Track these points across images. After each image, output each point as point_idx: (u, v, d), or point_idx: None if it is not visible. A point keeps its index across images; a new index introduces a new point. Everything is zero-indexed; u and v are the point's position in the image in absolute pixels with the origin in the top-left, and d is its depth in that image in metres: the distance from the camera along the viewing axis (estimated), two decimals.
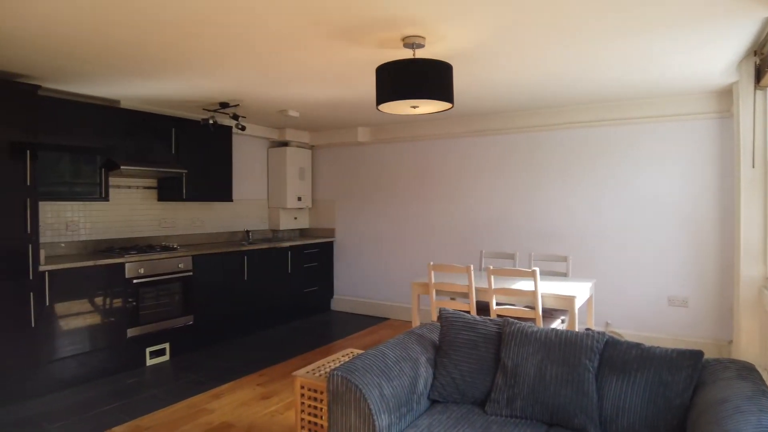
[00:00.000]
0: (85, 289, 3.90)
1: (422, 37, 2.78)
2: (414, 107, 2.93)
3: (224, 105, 4.56)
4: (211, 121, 4.54)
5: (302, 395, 2.64)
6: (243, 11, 2.42)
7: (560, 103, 4.69)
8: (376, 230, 6.27)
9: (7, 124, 3.44)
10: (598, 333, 2.20)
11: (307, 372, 2.68)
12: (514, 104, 4.75)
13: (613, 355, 2.15)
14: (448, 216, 5.72)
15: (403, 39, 2.80)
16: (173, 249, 4.66)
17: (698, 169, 4.43)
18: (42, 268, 3.61)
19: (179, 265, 4.54)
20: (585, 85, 3.98)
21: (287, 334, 5.44)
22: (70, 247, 4.37)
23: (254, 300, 5.36)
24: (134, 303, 4.20)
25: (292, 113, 5.01)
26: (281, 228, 6.39)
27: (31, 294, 3.55)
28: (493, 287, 3.51)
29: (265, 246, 5.47)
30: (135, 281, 4.18)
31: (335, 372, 2.13)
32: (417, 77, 2.71)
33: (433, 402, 2.40)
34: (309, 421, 2.64)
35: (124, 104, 4.57)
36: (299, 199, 6.44)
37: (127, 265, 4.14)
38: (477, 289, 3.67)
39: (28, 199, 3.54)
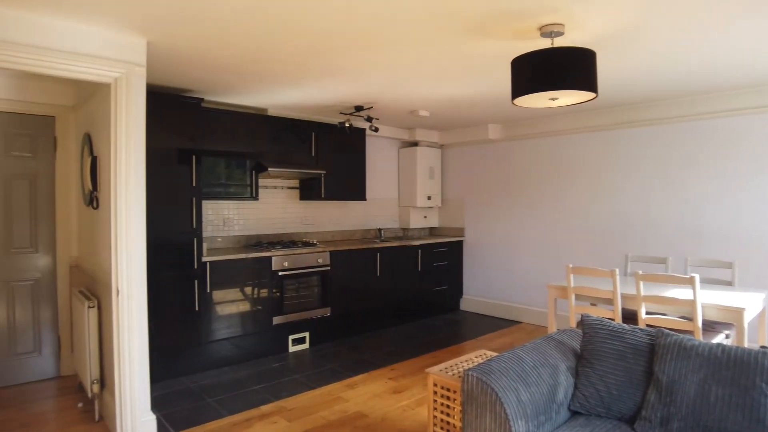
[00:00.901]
0: (238, 279, 4.33)
1: (561, 25, 2.62)
2: (553, 99, 2.77)
3: (359, 108, 4.75)
4: (347, 124, 4.77)
5: (435, 393, 2.64)
6: (384, 20, 2.49)
7: (725, 87, 4.11)
8: (507, 230, 6.08)
9: (177, 133, 3.94)
10: None
11: (440, 370, 2.68)
12: (668, 91, 4.27)
13: None
14: (586, 216, 5.33)
15: (541, 28, 2.67)
16: (313, 245, 4.97)
17: None
18: (204, 258, 4.08)
19: (318, 260, 4.84)
20: (754, 63, 3.44)
21: (417, 331, 5.51)
22: (225, 241, 4.88)
23: (386, 296, 5.51)
24: (279, 293, 4.57)
25: (423, 113, 5.06)
26: (411, 227, 6.49)
27: (195, 282, 4.03)
28: (642, 294, 3.20)
29: (396, 244, 5.60)
30: (280, 273, 4.54)
31: (470, 372, 2.09)
32: (558, 67, 2.56)
33: (574, 413, 2.25)
34: (441, 420, 2.63)
35: (271, 112, 4.99)
36: (429, 198, 6.49)
37: (273, 258, 4.51)
38: (622, 296, 3.37)
39: (194, 199, 4.02)
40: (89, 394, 3.24)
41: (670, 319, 3.12)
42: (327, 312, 4.94)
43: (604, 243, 5.19)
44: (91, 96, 3.52)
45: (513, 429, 1.92)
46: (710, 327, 3.35)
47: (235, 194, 4.61)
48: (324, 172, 5.08)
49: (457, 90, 4.19)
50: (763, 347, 1.98)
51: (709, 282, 3.78)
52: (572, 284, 3.59)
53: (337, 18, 2.54)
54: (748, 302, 3.08)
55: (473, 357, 2.94)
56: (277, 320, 4.56)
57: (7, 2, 2.36)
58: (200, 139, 4.08)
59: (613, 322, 2.35)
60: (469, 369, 2.13)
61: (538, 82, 2.61)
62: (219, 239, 4.82)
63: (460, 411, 2.51)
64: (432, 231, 6.86)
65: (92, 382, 3.19)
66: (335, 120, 5.43)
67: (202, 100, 4.11)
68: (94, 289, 3.45)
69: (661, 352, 2.09)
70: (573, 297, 3.60)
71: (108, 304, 3.07)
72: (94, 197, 3.27)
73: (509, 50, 3.07)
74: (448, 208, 6.73)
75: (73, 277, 4.03)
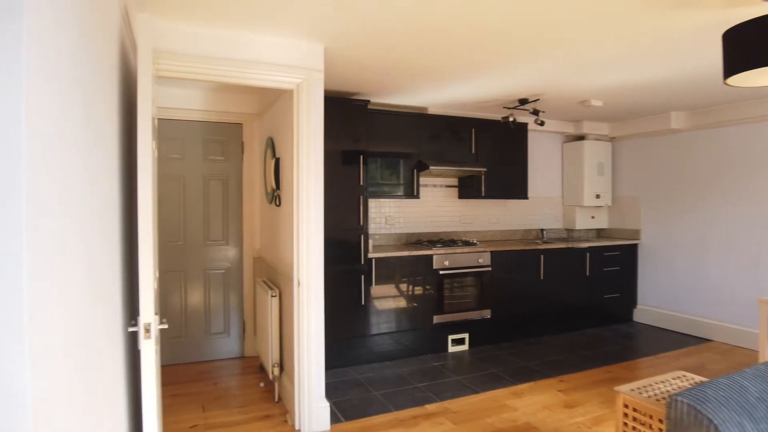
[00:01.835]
0: (401, 276, 4.39)
1: None
2: None
3: (523, 101, 4.51)
4: (510, 119, 4.55)
5: (626, 415, 2.34)
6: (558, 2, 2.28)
7: None
8: (693, 232, 5.29)
9: (347, 135, 4.11)
10: None
11: (632, 390, 2.36)
12: None
13: None
14: None
15: None
16: (473, 244, 4.85)
17: None
18: (370, 255, 4.20)
19: (479, 260, 4.70)
20: None
21: (584, 341, 5.06)
22: (387, 238, 4.99)
23: (549, 301, 5.17)
24: (439, 292, 4.53)
25: (595, 102, 4.62)
26: (577, 227, 6.01)
27: (362, 276, 4.17)
28: None
29: (561, 245, 5.21)
30: (441, 272, 4.50)
31: (679, 398, 1.79)
32: None
33: None
34: None
35: (431, 111, 4.98)
36: (597, 196, 5.94)
37: (434, 256, 4.49)
38: None
39: (361, 197, 4.16)
40: (270, 376, 3.53)
41: None
42: (487, 314, 4.78)
43: None
44: (273, 103, 3.83)
45: None
46: None
47: (397, 193, 4.69)
48: (484, 169, 4.92)
49: (637, 75, 3.73)
50: None
51: None
52: None
53: (510, 8, 2.38)
54: None
55: (670, 378, 2.55)
56: (437, 319, 4.53)
57: (210, 24, 2.64)
58: (367, 140, 4.21)
59: None
60: (677, 394, 1.82)
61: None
62: (379, 237, 4.95)
63: None
64: (600, 232, 6.28)
65: (273, 365, 3.46)
66: (495, 116, 5.24)
67: (368, 101, 4.24)
68: (275, 280, 3.74)
69: None
70: None
71: (288, 294, 3.30)
72: (276, 196, 3.55)
73: (718, 21, 2.61)
74: (620, 208, 6.10)
75: (256, 268, 4.44)
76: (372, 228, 4.89)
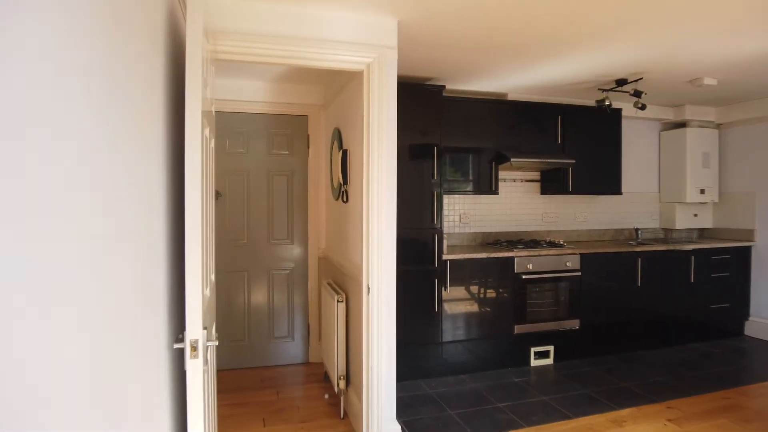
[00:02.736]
0: (478, 280, 3.96)
1: None
2: None
3: (621, 82, 3.93)
4: (607, 102, 3.99)
5: None
6: None
7: None
8: None
9: (419, 124, 3.73)
10: None
11: None
12: None
13: None
14: None
15: None
16: (560, 245, 4.32)
17: None
18: (445, 256, 3.80)
19: (566, 264, 4.17)
20: None
21: (688, 357, 4.40)
22: (461, 238, 4.57)
23: (647, 311, 4.54)
24: (522, 299, 4.06)
25: (709, 81, 3.95)
26: (677, 227, 5.30)
27: (435, 280, 3.78)
28: None
29: (661, 248, 4.57)
30: (523, 277, 4.02)
31: None
32: None
33: None
34: None
35: (511, 96, 4.50)
36: (702, 191, 5.20)
37: (516, 259, 4.02)
38: None
39: (435, 193, 3.77)
40: (335, 389, 3.22)
41: None
42: (575, 324, 4.24)
43: None
44: (340, 91, 3.52)
45: None
46: None
47: (474, 188, 4.25)
48: (573, 161, 4.38)
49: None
50: None
51: None
52: None
53: None
54: None
55: None
56: (519, 329, 4.06)
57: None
58: (441, 130, 3.81)
59: None
60: None
61: None
62: (453, 236, 4.53)
63: None
64: (702, 233, 5.51)
65: (339, 378, 3.15)
66: (584, 101, 4.67)
67: (443, 87, 3.83)
68: (342, 283, 3.43)
69: None
70: None
71: (356, 299, 2.97)
72: (343, 191, 3.23)
73: None
74: (728, 205, 5.31)
75: (321, 269, 4.17)
76: (445, 227, 4.48)
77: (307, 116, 4.18)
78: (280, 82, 4.01)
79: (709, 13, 2.57)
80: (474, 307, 3.95)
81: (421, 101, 3.75)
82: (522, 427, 3.06)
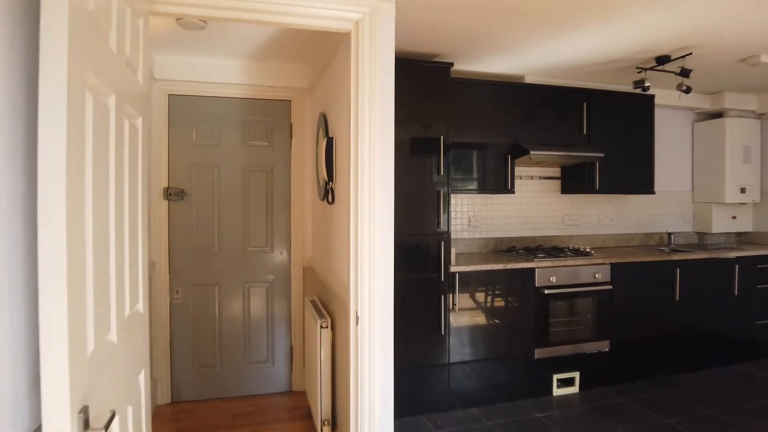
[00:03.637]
0: (492, 296, 3.33)
1: None
2: None
3: (662, 60, 3.30)
4: (646, 84, 3.35)
5: None
6: None
7: None
8: None
9: (423, 110, 3.11)
10: None
11: None
12: None
13: None
14: None
15: None
16: (587, 254, 3.69)
17: None
18: (453, 268, 3.17)
19: (595, 275, 3.54)
20: None
21: (734, 383, 3.77)
22: (470, 244, 3.94)
23: (685, 329, 3.91)
24: (543, 318, 3.43)
25: (767, 59, 3.32)
26: (713, 231, 4.67)
27: (441, 297, 3.15)
28: None
29: (701, 255, 3.94)
30: (546, 291, 3.39)
31: None
32: None
33: None
34: None
35: (529, 79, 3.87)
36: (742, 190, 4.57)
37: (537, 270, 3.39)
38: None
39: (441, 192, 3.14)
40: None
41: None
42: (604, 346, 3.61)
43: None
44: (326, 67, 2.90)
45: None
46: None
47: (485, 186, 3.62)
48: (602, 155, 3.74)
49: None
50: None
51: None
52: None
53: None
54: None
55: None
56: (539, 353, 3.43)
57: None
58: (448, 117, 3.18)
59: None
60: None
61: None
62: (461, 242, 3.90)
63: None
64: (741, 237, 4.88)
65: (322, 423, 2.53)
66: (611, 86, 4.05)
67: (451, 64, 3.21)
68: (327, 302, 2.81)
69: None
70: None
71: (344, 325, 2.34)
72: (329, 190, 2.61)
73: None
74: None
75: (307, 281, 3.54)
76: (452, 232, 3.85)
77: (289, 101, 3.55)
78: (257, 59, 3.39)
79: None
80: (487, 328, 3.32)
81: (424, 82, 3.13)
82: None
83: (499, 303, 3.34)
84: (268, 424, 3.09)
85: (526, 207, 4.14)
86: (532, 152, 3.48)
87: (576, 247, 3.94)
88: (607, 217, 4.40)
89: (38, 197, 0.90)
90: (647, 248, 4.29)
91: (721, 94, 4.52)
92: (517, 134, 3.67)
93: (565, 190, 4.19)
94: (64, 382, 0.92)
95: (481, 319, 3.30)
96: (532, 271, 3.38)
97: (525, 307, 3.39)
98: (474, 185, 3.59)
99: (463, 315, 3.25)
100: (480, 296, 3.30)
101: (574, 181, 4.07)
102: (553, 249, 3.90)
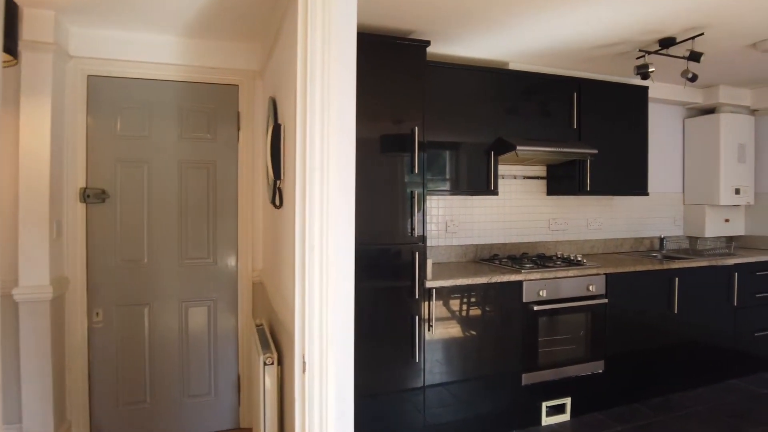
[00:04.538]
0: (474, 314, 2.86)
1: None
2: None
3: (667, 43, 2.89)
4: (651, 70, 2.94)
5: None
6: None
7: None
8: None
9: (394, 98, 2.62)
10: None
11: None
12: None
13: None
14: None
15: None
16: (579, 263, 3.27)
17: None
18: (429, 283, 2.69)
19: (589, 287, 3.12)
20: None
21: (735, 402, 3.41)
22: (448, 252, 3.47)
23: (684, 344, 3.54)
24: (532, 338, 2.98)
25: None
26: (706, 234, 4.33)
27: (416, 317, 2.66)
28: None
29: (700, 263, 3.57)
30: (535, 308, 2.94)
31: None
32: None
33: None
34: None
35: (514, 66, 3.43)
36: (737, 192, 4.24)
37: (525, 284, 2.94)
38: None
39: (415, 193, 2.66)
40: None
41: None
42: (599, 367, 3.19)
43: None
44: (275, 43, 2.38)
45: None
46: None
47: (464, 187, 3.15)
48: (595, 151, 3.33)
49: None
50: None
51: None
52: None
53: None
54: None
55: None
56: (527, 378, 2.98)
57: None
58: (424, 106, 2.70)
59: None
60: None
61: None
62: (437, 250, 3.43)
63: None
64: (731, 242, 4.56)
65: None
66: (604, 76, 3.65)
67: (427, 43, 2.73)
68: (277, 329, 2.29)
69: None
70: None
71: (292, 363, 1.82)
72: (277, 189, 2.09)
73: None
74: (766, 208, 4.37)
75: (257, 299, 3.01)
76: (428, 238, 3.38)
77: (237, 86, 3.01)
78: (197, 36, 2.84)
79: None
80: (468, 352, 2.85)
81: (396, 64, 2.64)
82: None
83: (482, 322, 2.87)
84: None
85: (509, 210, 3.69)
86: (518, 147, 3.04)
87: (565, 255, 3.52)
88: (595, 220, 4.00)
89: None
90: (638, 255, 3.91)
91: (715, 87, 4.19)
92: (500, 128, 3.22)
93: (551, 191, 3.77)
94: None
95: (461, 341, 2.83)
96: (519, 284, 2.92)
97: (511, 327, 2.93)
98: (452, 186, 3.12)
99: (441, 337, 2.77)
100: (461, 315, 2.83)
101: (562, 181, 3.65)
102: (540, 257, 3.46)
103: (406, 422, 2.69)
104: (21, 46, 2.37)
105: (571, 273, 3.06)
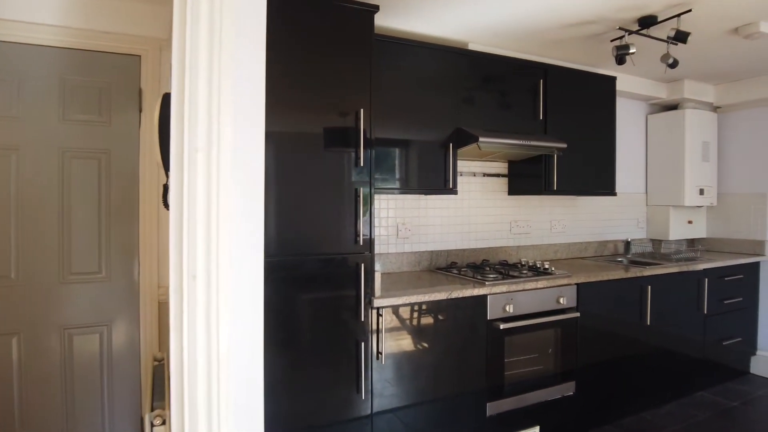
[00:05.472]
0: (432, 336, 2.40)
1: None
2: None
3: (647, 22, 2.54)
4: (632, 51, 2.57)
5: None
6: None
7: None
8: None
9: (333, 79, 2.12)
10: None
11: None
12: None
13: None
14: None
15: None
16: (547, 272, 2.88)
17: None
18: (377, 302, 2.21)
19: (559, 300, 2.73)
20: None
21: (704, 417, 3.15)
22: (399, 260, 3.00)
23: (655, 357, 3.24)
24: (497, 362, 2.56)
25: (766, 28, 2.67)
26: (670, 237, 4.08)
27: (362, 345, 2.17)
28: None
29: (672, 269, 3.28)
30: (501, 326, 2.51)
31: None
32: None
33: None
34: None
35: (474, 46, 3.01)
36: (701, 192, 4.02)
37: (489, 298, 2.51)
38: None
39: (359, 192, 2.17)
40: None
41: None
42: (569, 389, 2.82)
43: None
44: None
45: None
46: None
47: (420, 184, 2.69)
48: (564, 145, 2.95)
49: None
50: None
51: None
52: None
53: None
54: None
55: None
56: (492, 407, 2.56)
57: None
58: (370, 88, 2.21)
59: None
60: None
61: None
62: (386, 258, 2.95)
63: None
64: (696, 245, 4.35)
65: None
66: (573, 64, 3.31)
67: (376, 9, 2.24)
68: None
69: None
70: None
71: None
72: (166, 186, 1.54)
73: None
74: (727, 209, 4.18)
75: (164, 323, 2.43)
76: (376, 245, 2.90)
77: (138, 57, 2.42)
78: None
79: None
80: (424, 383, 2.38)
81: (335, 36, 2.14)
82: None
83: (442, 346, 2.42)
84: None
85: (468, 212, 3.28)
86: (481, 140, 2.61)
87: (530, 262, 3.12)
88: (559, 222, 3.66)
89: None
90: (604, 260, 3.60)
91: (680, 81, 3.95)
92: (459, 117, 2.78)
93: (513, 190, 3.38)
94: None
95: (416, 370, 2.36)
96: (483, 299, 2.49)
97: (474, 349, 2.50)
98: (404, 183, 2.66)
99: (392, 367, 2.29)
100: (416, 338, 2.36)
101: (525, 179, 3.27)
102: (503, 265, 3.06)
103: None
104: None
105: (540, 284, 2.66)
